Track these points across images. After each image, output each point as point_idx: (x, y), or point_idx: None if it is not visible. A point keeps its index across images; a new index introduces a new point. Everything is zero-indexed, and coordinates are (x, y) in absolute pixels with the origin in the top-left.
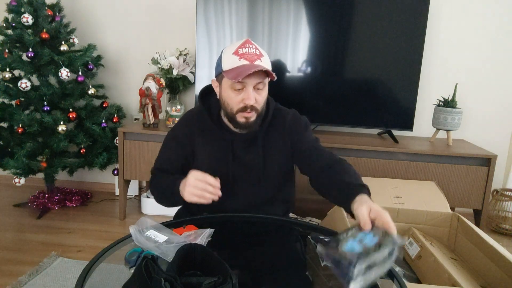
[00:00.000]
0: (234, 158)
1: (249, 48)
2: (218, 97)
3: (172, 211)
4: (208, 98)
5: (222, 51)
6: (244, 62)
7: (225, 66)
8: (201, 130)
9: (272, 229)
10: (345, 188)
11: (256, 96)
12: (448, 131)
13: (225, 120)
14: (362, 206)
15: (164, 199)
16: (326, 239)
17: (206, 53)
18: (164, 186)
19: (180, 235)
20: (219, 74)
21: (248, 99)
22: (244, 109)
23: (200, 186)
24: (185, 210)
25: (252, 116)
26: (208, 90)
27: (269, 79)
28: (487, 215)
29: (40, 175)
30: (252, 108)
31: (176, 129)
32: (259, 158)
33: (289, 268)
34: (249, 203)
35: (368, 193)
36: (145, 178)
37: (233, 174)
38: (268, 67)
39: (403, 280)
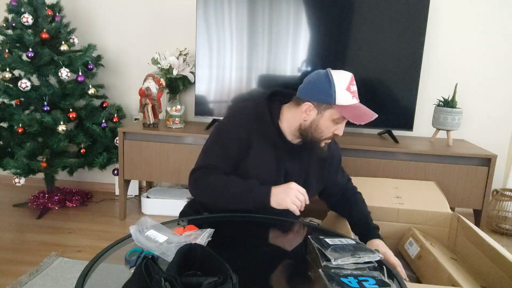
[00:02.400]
0: (279, 166)
1: (355, 86)
2: (305, 119)
3: (172, 211)
4: (268, 103)
5: (330, 80)
6: (355, 101)
7: (339, 101)
8: (259, 132)
9: (272, 229)
10: (362, 225)
11: None
12: (448, 131)
13: (286, 130)
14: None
15: (230, 199)
16: (326, 240)
17: (206, 53)
18: (237, 188)
19: (180, 235)
20: (325, 103)
21: (340, 132)
22: (331, 138)
23: (300, 198)
24: (190, 210)
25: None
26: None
27: None
28: (487, 215)
29: (40, 175)
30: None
31: (234, 126)
32: (300, 171)
33: (289, 268)
34: (280, 212)
35: (379, 235)
36: (145, 178)
37: (275, 183)
38: None
39: (403, 280)
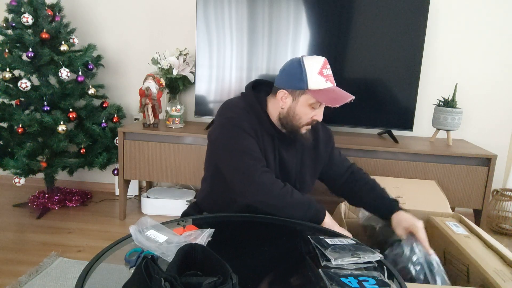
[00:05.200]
0: (275, 156)
1: (329, 70)
2: (282, 106)
3: (172, 211)
4: (254, 94)
5: (302, 66)
6: (330, 84)
7: (312, 86)
8: (256, 122)
9: (273, 229)
10: (382, 201)
11: None
12: (448, 131)
13: (274, 120)
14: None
15: (294, 205)
16: (326, 240)
17: (206, 53)
18: (299, 196)
19: (180, 235)
20: (298, 89)
21: (319, 117)
22: (310, 123)
23: None
24: (192, 211)
25: (309, 128)
26: (250, 88)
27: None
28: (487, 215)
29: (40, 175)
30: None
31: (240, 121)
32: (297, 160)
33: (290, 268)
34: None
35: (400, 208)
36: (145, 178)
37: (274, 173)
38: None
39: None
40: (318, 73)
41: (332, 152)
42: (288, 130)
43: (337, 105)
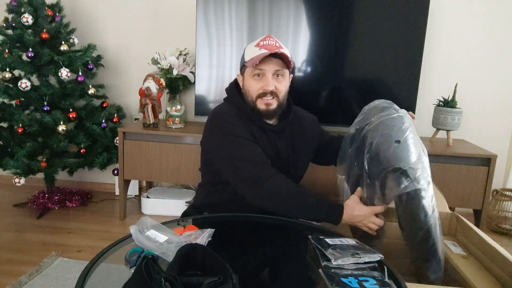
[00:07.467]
0: (273, 149)
1: (270, 41)
2: (242, 90)
3: (172, 211)
4: (236, 93)
5: (245, 47)
6: (264, 51)
7: (247, 57)
8: (247, 120)
9: (273, 229)
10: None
11: (276, 84)
12: (448, 131)
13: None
14: None
15: (299, 209)
16: (326, 240)
17: (206, 53)
18: (310, 199)
19: (181, 235)
20: (242, 66)
21: (267, 85)
22: (263, 94)
23: (376, 224)
24: (192, 211)
25: (273, 104)
26: (233, 87)
27: (289, 70)
28: (487, 215)
29: (40, 175)
30: (272, 94)
31: (234, 128)
32: (288, 147)
33: (290, 268)
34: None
35: None
36: (145, 178)
37: (271, 164)
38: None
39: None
40: (255, 46)
41: (321, 129)
42: (257, 114)
43: (257, 61)
